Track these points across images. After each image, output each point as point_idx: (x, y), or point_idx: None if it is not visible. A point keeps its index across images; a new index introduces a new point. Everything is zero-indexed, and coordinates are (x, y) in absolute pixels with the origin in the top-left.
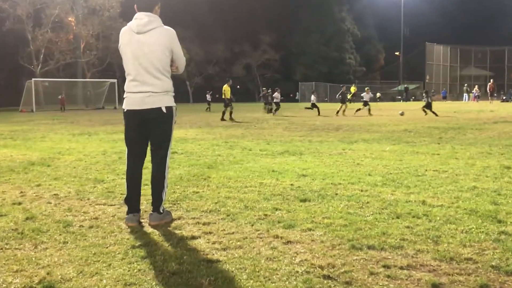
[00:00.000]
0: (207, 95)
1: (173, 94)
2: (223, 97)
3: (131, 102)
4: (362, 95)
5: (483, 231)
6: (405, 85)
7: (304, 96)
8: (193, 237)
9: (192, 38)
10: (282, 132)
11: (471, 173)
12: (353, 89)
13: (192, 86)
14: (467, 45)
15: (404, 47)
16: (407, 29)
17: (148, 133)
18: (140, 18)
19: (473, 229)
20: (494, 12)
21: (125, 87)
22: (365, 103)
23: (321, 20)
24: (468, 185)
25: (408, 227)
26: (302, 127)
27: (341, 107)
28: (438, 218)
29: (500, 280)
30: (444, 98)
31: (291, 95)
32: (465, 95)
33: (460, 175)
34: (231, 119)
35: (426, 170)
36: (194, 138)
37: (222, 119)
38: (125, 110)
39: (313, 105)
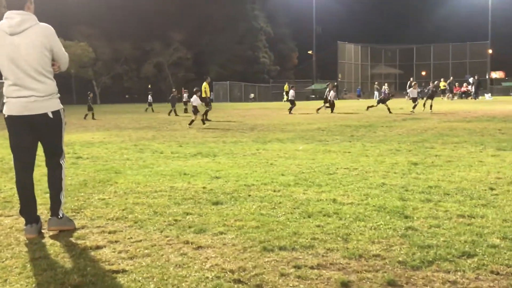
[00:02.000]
0: (149, 95)
1: (58, 95)
2: (203, 95)
3: (13, 107)
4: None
5: (391, 227)
6: (336, 83)
7: (218, 95)
8: (98, 247)
9: (97, 36)
10: (195, 133)
11: (380, 170)
12: (286, 87)
13: (99, 86)
14: (378, 44)
15: (317, 46)
16: (319, 28)
17: (36, 139)
18: (11, 17)
19: (382, 226)
20: (403, 12)
21: (4, 92)
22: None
23: (233, 18)
24: (377, 182)
25: (319, 226)
26: (216, 128)
27: (324, 104)
28: (348, 216)
29: (406, 275)
30: (359, 96)
31: None
32: (376, 93)
33: (370, 172)
34: (207, 119)
35: (337, 168)
36: (101, 141)
37: (206, 119)
38: (6, 116)
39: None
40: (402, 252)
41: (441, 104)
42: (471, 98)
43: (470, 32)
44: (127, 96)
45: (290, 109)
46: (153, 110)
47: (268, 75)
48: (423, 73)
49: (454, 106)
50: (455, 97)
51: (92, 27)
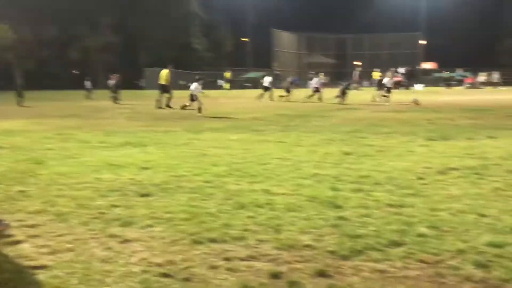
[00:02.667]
0: (86, 82)
1: None
2: (163, 83)
3: None
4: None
5: (322, 217)
6: (277, 72)
7: (150, 82)
8: (17, 242)
9: (18, 18)
10: (125, 122)
11: (313, 160)
12: (227, 74)
13: (21, 71)
14: (313, 33)
15: (252, 34)
16: (255, 15)
17: None
18: None
19: (313, 216)
20: (339, 1)
21: None
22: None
23: (165, 2)
24: (310, 172)
25: (251, 217)
26: (147, 117)
27: (287, 95)
28: (280, 207)
29: (336, 265)
30: (297, 85)
31: (136, 82)
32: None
33: (303, 162)
34: (168, 106)
35: (271, 158)
36: (21, 130)
37: (168, 106)
38: None
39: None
40: (332, 242)
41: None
42: (404, 89)
43: (404, 23)
44: (50, 82)
45: (270, 95)
46: (90, 97)
47: (202, 62)
48: (358, 63)
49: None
50: None
51: (12, 8)
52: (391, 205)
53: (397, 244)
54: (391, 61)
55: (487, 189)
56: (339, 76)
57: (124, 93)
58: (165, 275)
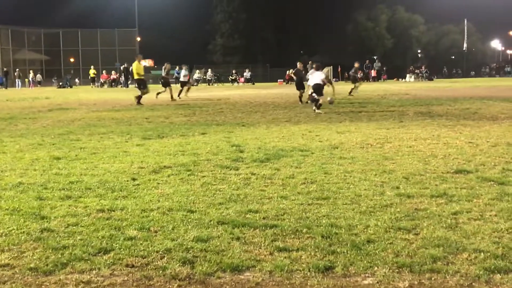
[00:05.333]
0: None
1: None
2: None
3: None
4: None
5: (24, 231)
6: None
7: None
8: None
9: None
10: None
11: (18, 167)
12: None
13: None
14: (20, 26)
15: None
16: None
17: None
18: None
19: (14, 231)
20: None
21: None
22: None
23: None
24: (14, 181)
25: None
26: None
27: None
28: None
29: (37, 282)
30: (1, 84)
31: None
32: (18, 81)
33: (6, 172)
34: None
35: None
36: None
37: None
38: None
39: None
40: (34, 257)
41: (91, 92)
42: (121, 86)
43: (120, 18)
44: None
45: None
46: None
47: None
48: (72, 59)
49: (104, 95)
50: (105, 86)
51: None
52: (101, 211)
53: (105, 251)
54: (107, 57)
55: (197, 185)
56: (51, 73)
57: None
58: None
